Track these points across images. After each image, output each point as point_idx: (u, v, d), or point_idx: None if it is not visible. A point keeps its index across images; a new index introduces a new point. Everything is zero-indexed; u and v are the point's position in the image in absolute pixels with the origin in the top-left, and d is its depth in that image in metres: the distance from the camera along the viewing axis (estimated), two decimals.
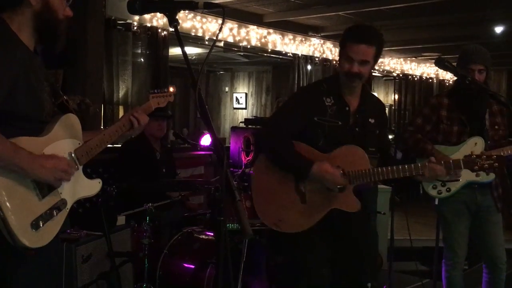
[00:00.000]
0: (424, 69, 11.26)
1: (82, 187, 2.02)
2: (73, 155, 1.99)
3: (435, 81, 11.68)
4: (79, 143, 2.02)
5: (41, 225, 1.82)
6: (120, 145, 4.47)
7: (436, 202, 3.52)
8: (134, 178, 3.98)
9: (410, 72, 10.97)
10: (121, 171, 4.21)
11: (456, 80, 3.56)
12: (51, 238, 1.87)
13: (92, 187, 2.10)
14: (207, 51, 8.14)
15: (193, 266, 3.64)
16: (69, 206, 1.97)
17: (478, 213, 3.46)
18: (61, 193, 1.92)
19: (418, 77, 11.21)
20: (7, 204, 1.72)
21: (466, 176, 3.37)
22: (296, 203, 2.63)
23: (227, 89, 13.11)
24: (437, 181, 3.47)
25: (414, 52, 9.94)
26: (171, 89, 2.59)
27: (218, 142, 1.66)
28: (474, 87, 3.20)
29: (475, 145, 3.37)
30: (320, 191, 2.61)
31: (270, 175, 2.68)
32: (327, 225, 2.63)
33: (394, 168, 2.57)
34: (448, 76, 11.73)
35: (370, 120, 2.73)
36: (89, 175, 2.08)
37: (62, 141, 1.94)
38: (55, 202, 1.90)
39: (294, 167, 2.65)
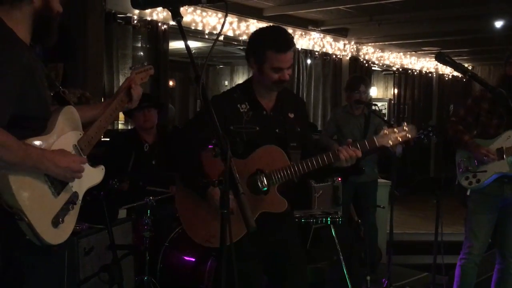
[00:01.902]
0: (424, 64, 11.26)
1: (88, 176, 2.04)
2: (77, 146, 2.01)
3: (434, 75, 11.68)
4: (81, 134, 2.05)
5: (60, 222, 1.86)
6: (108, 139, 4.42)
7: (468, 193, 3.56)
8: (124, 171, 3.93)
9: (410, 66, 10.97)
10: (113, 163, 4.15)
11: (502, 73, 3.62)
12: (70, 232, 1.93)
13: (97, 174, 2.13)
14: (207, 45, 8.19)
15: (194, 259, 3.66)
16: (80, 198, 2.01)
17: (505, 208, 3.50)
18: (72, 187, 1.95)
19: (417, 71, 11.20)
20: (30, 208, 1.75)
21: (496, 167, 3.42)
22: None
23: (226, 83, 13.10)
24: (469, 172, 3.52)
25: (413, 46, 9.94)
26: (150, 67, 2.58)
27: (221, 135, 1.67)
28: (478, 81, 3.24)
29: (508, 138, 3.43)
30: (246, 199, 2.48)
31: (190, 193, 2.58)
32: (257, 230, 2.52)
33: (312, 159, 2.47)
34: (447, 71, 11.73)
35: (289, 115, 2.64)
36: (92, 162, 2.10)
37: (66, 134, 1.96)
38: (69, 197, 1.93)
39: (193, 187, 2.57)
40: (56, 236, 1.86)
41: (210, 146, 2.54)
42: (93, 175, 2.10)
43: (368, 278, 4.24)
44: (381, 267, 4.98)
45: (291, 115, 2.64)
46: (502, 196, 3.48)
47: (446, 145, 3.76)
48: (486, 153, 3.43)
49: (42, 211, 1.81)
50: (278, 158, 2.49)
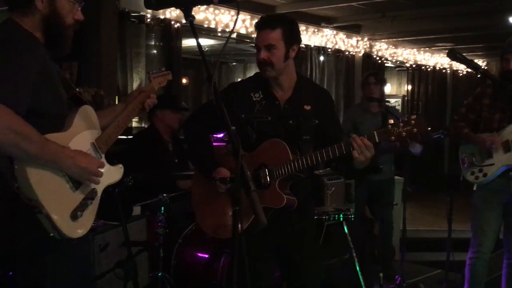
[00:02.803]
0: (438, 60, 11.17)
1: (107, 174, 2.07)
2: (95, 145, 2.05)
3: (448, 71, 11.59)
4: (98, 132, 2.09)
5: (79, 216, 1.89)
6: (131, 137, 4.53)
7: (475, 188, 3.55)
8: (147, 169, 4.03)
9: (424, 62, 10.89)
10: (133, 162, 4.26)
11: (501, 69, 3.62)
12: (89, 227, 1.96)
13: (116, 173, 2.17)
14: (220, 42, 8.21)
15: (207, 256, 3.69)
16: (99, 194, 2.04)
17: (510, 203, 3.48)
18: (89, 184, 1.98)
19: (431, 67, 11.12)
20: (48, 200, 1.78)
21: (503, 160, 3.41)
22: (229, 207, 2.49)
23: (239, 80, 13.09)
24: (474, 166, 3.50)
25: (427, 42, 9.86)
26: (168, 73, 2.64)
27: (232, 133, 1.69)
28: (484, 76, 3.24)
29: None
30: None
31: (204, 182, 2.60)
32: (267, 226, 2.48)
33: (320, 152, 2.38)
34: (462, 67, 11.64)
35: (305, 107, 2.55)
36: (110, 161, 2.14)
37: (83, 133, 2.00)
38: (88, 192, 1.97)
39: (201, 171, 2.60)
40: (75, 229, 1.88)
41: (223, 144, 2.57)
42: (112, 174, 2.13)
43: (381, 275, 4.24)
44: (394, 264, 4.97)
45: (308, 107, 2.54)
46: (508, 192, 3.46)
47: (454, 144, 3.75)
48: (491, 142, 3.41)
49: (61, 204, 1.84)
50: (281, 152, 2.44)
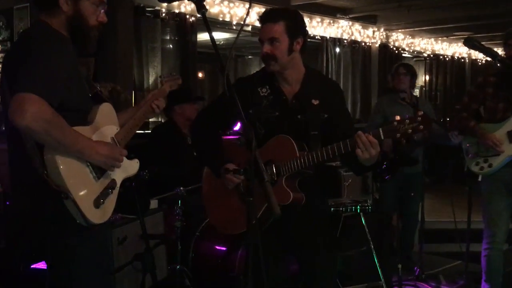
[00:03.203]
0: (456, 49, 11.03)
1: (125, 167, 2.19)
2: (114, 139, 2.18)
3: (467, 61, 11.44)
4: (117, 128, 2.22)
5: (101, 203, 2.02)
6: (150, 131, 4.56)
7: (479, 179, 3.51)
8: (166, 162, 4.06)
9: (441, 52, 10.77)
10: (152, 156, 4.30)
11: (497, 60, 3.56)
12: (110, 214, 2.10)
13: (132, 166, 2.29)
14: (235, 35, 8.19)
15: (224, 248, 3.70)
16: (118, 185, 2.16)
17: None
18: (110, 174, 2.11)
19: (449, 57, 10.99)
20: (75, 187, 1.91)
21: (509, 151, 3.37)
22: (238, 204, 2.52)
23: (246, 75, 13.06)
24: (479, 157, 3.47)
25: (445, 31, 9.74)
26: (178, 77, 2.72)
27: (246, 125, 1.70)
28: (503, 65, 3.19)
29: None
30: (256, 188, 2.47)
31: (212, 178, 2.61)
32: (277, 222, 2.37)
33: (326, 148, 2.34)
34: (480, 56, 11.48)
35: (313, 101, 2.50)
36: (127, 155, 2.23)
37: (104, 128, 2.13)
38: (108, 182, 2.09)
39: (210, 167, 2.61)
40: (98, 215, 2.01)
41: (237, 136, 2.56)
42: (129, 167, 2.25)
43: (399, 266, 4.22)
44: (413, 256, 4.94)
45: (315, 102, 2.50)
46: None
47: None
48: (493, 143, 3.39)
49: (85, 191, 1.97)
50: (288, 149, 2.41)
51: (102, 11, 2.11)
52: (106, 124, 2.14)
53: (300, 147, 2.43)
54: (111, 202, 2.10)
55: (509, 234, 3.63)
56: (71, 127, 1.92)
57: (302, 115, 2.50)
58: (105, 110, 2.15)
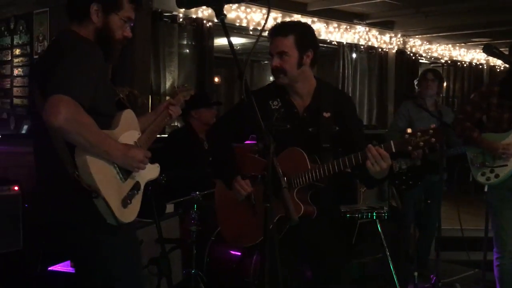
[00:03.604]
0: (474, 55, 10.94)
1: (148, 171, 2.25)
2: (137, 143, 2.24)
3: (485, 67, 11.34)
4: (139, 134, 2.28)
5: (129, 203, 2.08)
6: (166, 135, 4.59)
7: (486, 189, 3.48)
8: (182, 167, 4.08)
9: (459, 58, 10.68)
10: (169, 160, 4.32)
11: (509, 67, 3.52)
12: (136, 213, 2.16)
13: (154, 170, 2.35)
14: (252, 41, 8.23)
15: (239, 253, 3.70)
16: (142, 188, 2.22)
17: None
18: (135, 176, 2.16)
19: (467, 63, 10.90)
20: (105, 187, 1.97)
21: None
22: (249, 216, 2.53)
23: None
24: (486, 167, 3.44)
25: (463, 38, 9.67)
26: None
27: (264, 131, 1.70)
28: None
29: None
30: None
31: (224, 189, 2.62)
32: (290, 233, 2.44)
33: (337, 161, 2.35)
34: (499, 62, 11.36)
35: (324, 114, 2.51)
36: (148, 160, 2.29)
37: (127, 132, 2.19)
38: (134, 184, 2.15)
39: (221, 178, 2.62)
40: (126, 215, 2.07)
41: (254, 142, 2.56)
42: (151, 170, 2.31)
43: (416, 274, 4.18)
44: (429, 263, 4.90)
45: (327, 114, 2.50)
46: None
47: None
48: (504, 150, 3.35)
49: (113, 191, 2.03)
50: (299, 161, 2.41)
51: (129, 26, 2.20)
52: (129, 130, 2.20)
53: (312, 160, 2.42)
54: (137, 203, 2.17)
55: None
56: (102, 131, 1.99)
57: (313, 128, 2.50)
58: (128, 116, 2.21)
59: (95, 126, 1.94)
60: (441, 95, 4.83)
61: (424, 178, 4.46)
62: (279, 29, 2.49)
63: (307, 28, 2.55)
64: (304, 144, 2.45)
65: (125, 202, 2.07)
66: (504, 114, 3.40)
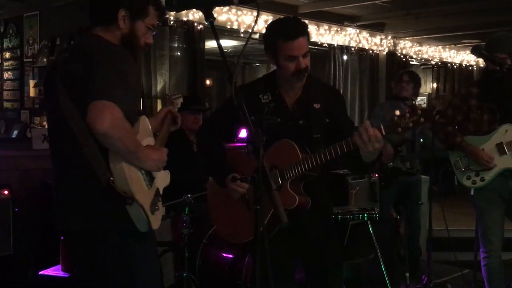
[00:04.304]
0: (464, 57, 11.01)
1: (161, 178, 2.25)
2: None
3: (475, 68, 11.41)
4: (153, 140, 2.28)
5: (156, 209, 2.08)
6: None
7: (472, 193, 3.51)
8: (172, 169, 4.06)
9: (449, 60, 10.75)
10: None
11: (484, 69, 3.57)
12: (160, 219, 2.15)
13: (166, 177, 2.33)
14: (243, 43, 8.23)
15: (231, 256, 3.70)
16: (161, 193, 2.21)
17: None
18: (155, 183, 2.16)
19: (457, 65, 10.97)
20: (138, 193, 1.96)
21: (501, 164, 3.38)
22: (243, 213, 2.53)
23: (248, 82, 13.12)
24: (471, 171, 3.47)
25: (453, 39, 9.74)
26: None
27: (254, 133, 1.70)
28: (507, 74, 3.19)
29: (505, 132, 3.38)
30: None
31: (217, 188, 2.63)
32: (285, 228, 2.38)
33: (329, 149, 2.35)
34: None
35: (314, 105, 2.53)
36: None
37: (146, 139, 2.18)
38: (156, 190, 2.14)
39: (214, 175, 2.63)
40: (155, 221, 2.07)
41: (243, 144, 2.57)
42: (164, 177, 2.30)
43: (407, 275, 4.20)
44: (420, 264, 4.92)
45: (317, 106, 2.52)
46: (508, 189, 3.44)
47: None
48: (487, 161, 3.39)
49: (145, 197, 2.03)
50: (291, 152, 2.41)
51: (151, 34, 2.20)
52: (146, 136, 2.20)
53: (302, 151, 2.43)
54: (160, 207, 2.17)
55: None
56: (136, 139, 2.00)
57: (303, 120, 2.52)
58: (145, 122, 2.21)
59: (133, 133, 1.97)
60: (417, 97, 4.85)
61: (392, 180, 4.53)
62: (301, 29, 2.46)
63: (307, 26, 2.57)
64: (296, 136, 2.46)
65: (153, 208, 2.06)
66: (484, 115, 3.43)
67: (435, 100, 10.18)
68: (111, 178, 1.92)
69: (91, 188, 1.97)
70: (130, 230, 2.00)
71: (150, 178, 2.11)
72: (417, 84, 4.78)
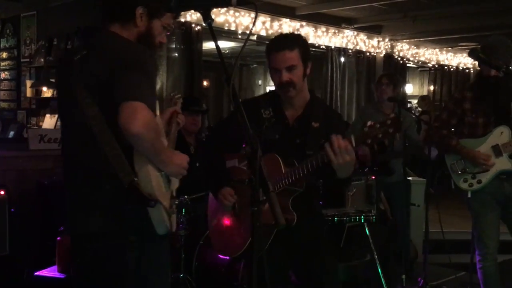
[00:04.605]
0: (461, 60, 11.04)
1: (174, 180, 2.21)
2: None
3: (472, 71, 11.44)
4: (166, 141, 2.23)
5: (173, 212, 2.08)
6: None
7: (469, 195, 3.51)
8: None
9: (446, 62, 10.77)
10: None
11: (478, 72, 3.58)
12: (175, 222, 2.14)
13: (176, 180, 2.27)
14: (240, 44, 8.24)
15: (228, 257, 3.70)
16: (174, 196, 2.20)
17: (507, 203, 3.47)
18: (170, 186, 2.14)
19: (454, 67, 11.00)
20: (160, 196, 1.95)
21: (498, 165, 3.38)
22: (234, 224, 2.55)
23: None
24: (467, 173, 3.48)
25: (450, 42, 9.76)
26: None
27: (252, 135, 1.70)
28: (503, 78, 3.20)
29: (501, 134, 3.39)
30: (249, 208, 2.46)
31: (214, 200, 2.64)
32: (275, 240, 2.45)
33: (302, 164, 2.35)
34: None
35: (313, 124, 2.53)
36: None
37: (161, 139, 2.11)
38: (171, 193, 2.13)
39: (210, 187, 2.64)
40: (172, 223, 2.08)
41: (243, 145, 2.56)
42: (176, 180, 2.25)
43: (403, 277, 4.21)
44: (417, 266, 4.92)
45: (316, 125, 2.52)
46: (503, 192, 3.44)
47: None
48: (484, 161, 3.39)
49: (165, 200, 2.01)
50: (275, 167, 2.41)
51: (165, 33, 2.17)
52: (161, 137, 2.14)
53: (288, 164, 2.43)
54: (175, 211, 2.15)
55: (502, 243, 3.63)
56: (160, 139, 1.97)
57: (300, 139, 2.51)
58: (159, 123, 2.17)
59: (160, 135, 1.95)
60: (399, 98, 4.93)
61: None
62: (285, 43, 2.48)
63: (306, 40, 2.58)
64: (289, 154, 2.47)
65: (171, 210, 2.05)
66: (479, 118, 3.44)
67: (420, 101, 10.18)
68: (136, 180, 1.89)
69: (112, 189, 1.93)
70: (148, 232, 1.97)
71: (168, 181, 2.08)
72: (396, 85, 4.86)
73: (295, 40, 2.50)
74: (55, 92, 6.51)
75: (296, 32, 7.19)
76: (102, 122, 1.90)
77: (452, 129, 3.58)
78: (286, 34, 2.59)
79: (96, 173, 1.97)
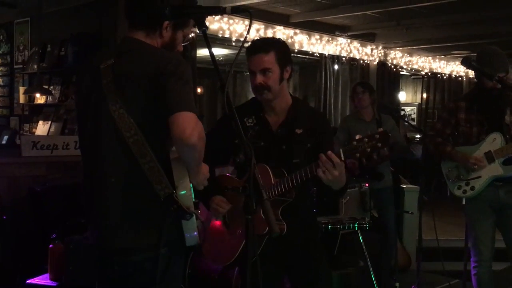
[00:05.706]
0: (454, 68, 11.11)
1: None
2: None
3: (464, 79, 11.52)
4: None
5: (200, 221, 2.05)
6: None
7: (463, 202, 3.53)
8: None
9: (439, 70, 10.84)
10: None
11: (476, 83, 3.61)
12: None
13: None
14: (235, 52, 8.24)
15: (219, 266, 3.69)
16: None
17: (502, 210, 3.49)
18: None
19: (447, 75, 11.06)
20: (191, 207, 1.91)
21: (489, 172, 3.41)
22: (225, 235, 2.55)
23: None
24: (461, 180, 3.50)
25: (443, 50, 9.82)
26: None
27: (245, 142, 1.70)
28: (500, 87, 3.23)
29: (493, 140, 3.42)
30: (240, 217, 2.30)
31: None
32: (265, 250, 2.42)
33: (292, 175, 2.35)
34: None
35: (297, 130, 2.50)
36: None
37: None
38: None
39: (200, 199, 2.56)
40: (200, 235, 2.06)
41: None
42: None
43: (397, 284, 4.21)
44: (410, 274, 4.93)
45: (299, 131, 2.50)
46: (498, 199, 3.47)
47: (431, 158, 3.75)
48: (475, 162, 3.42)
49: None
50: (265, 177, 2.38)
51: (184, 43, 2.16)
52: None
53: (277, 174, 2.41)
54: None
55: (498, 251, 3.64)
56: None
57: (286, 144, 2.50)
58: None
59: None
60: (375, 103, 4.95)
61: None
62: (260, 46, 2.49)
63: (285, 44, 2.58)
64: (276, 161, 2.46)
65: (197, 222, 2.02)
66: (473, 128, 3.48)
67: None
68: (174, 191, 1.85)
69: (147, 202, 1.89)
70: (178, 244, 1.95)
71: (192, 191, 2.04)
72: (371, 92, 4.91)
73: (272, 44, 2.51)
74: (48, 99, 6.49)
75: (289, 40, 7.28)
76: (138, 133, 1.85)
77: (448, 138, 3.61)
78: (265, 38, 2.62)
79: (129, 186, 1.91)
